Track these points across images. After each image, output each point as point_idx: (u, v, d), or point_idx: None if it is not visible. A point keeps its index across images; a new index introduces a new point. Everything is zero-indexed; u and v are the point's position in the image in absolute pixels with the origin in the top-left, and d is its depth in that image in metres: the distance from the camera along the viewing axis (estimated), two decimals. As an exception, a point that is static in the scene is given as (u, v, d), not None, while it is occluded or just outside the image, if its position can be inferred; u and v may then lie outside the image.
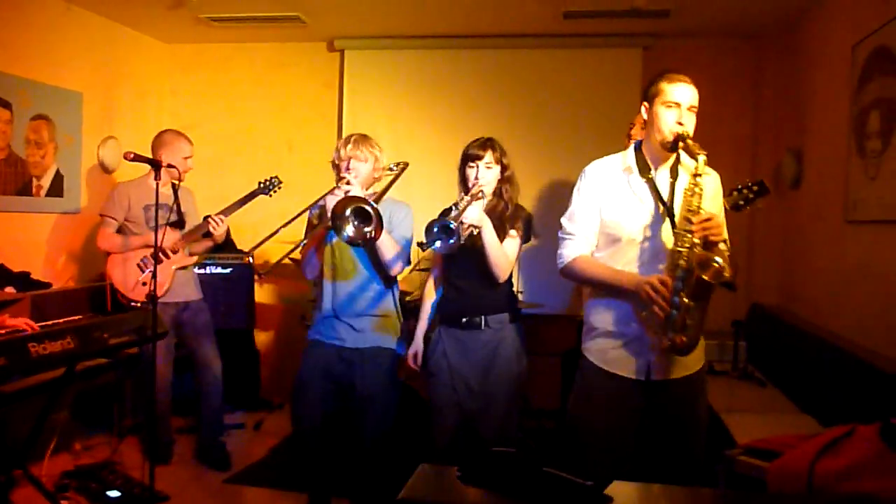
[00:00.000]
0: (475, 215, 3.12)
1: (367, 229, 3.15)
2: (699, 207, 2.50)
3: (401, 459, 4.07)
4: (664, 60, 5.38)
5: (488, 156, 3.32)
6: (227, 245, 5.40)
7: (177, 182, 4.50)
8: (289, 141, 6.19)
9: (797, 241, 4.95)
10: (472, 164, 3.33)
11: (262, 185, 4.47)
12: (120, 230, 4.50)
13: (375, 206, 3.13)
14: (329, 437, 3.66)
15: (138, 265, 4.42)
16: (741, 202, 3.66)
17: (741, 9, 4.89)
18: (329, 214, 3.22)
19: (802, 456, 2.26)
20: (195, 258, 4.57)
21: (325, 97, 6.11)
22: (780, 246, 5.30)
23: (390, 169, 3.66)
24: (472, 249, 3.23)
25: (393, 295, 3.65)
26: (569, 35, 5.61)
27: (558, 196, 5.14)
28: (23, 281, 4.61)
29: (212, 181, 4.87)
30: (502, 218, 3.30)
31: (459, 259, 3.33)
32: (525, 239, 3.38)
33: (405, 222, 3.57)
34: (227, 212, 4.39)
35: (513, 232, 3.31)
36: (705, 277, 2.40)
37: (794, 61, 5.11)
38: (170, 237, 4.36)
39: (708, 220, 2.47)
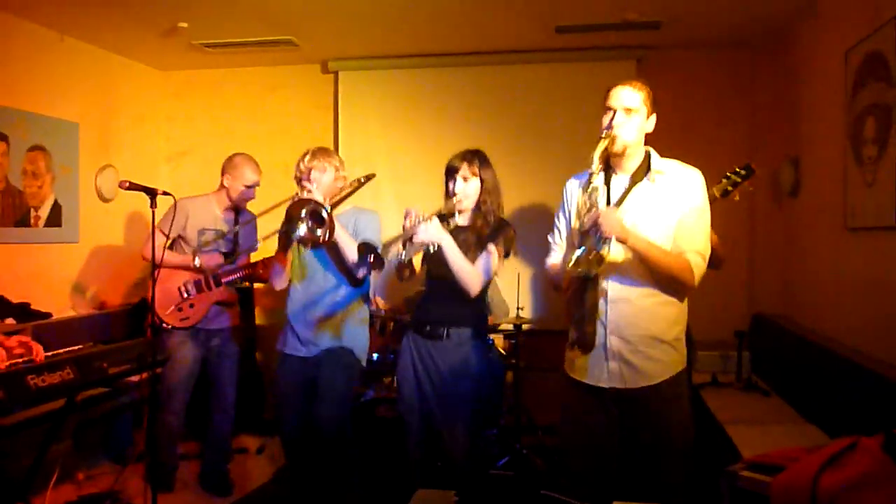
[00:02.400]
0: (433, 234, 3.11)
1: (319, 231, 3.26)
2: (594, 206, 2.59)
3: (398, 479, 4.10)
4: (658, 72, 5.39)
5: (464, 168, 3.33)
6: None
7: (243, 203, 4.48)
8: (285, 163, 6.16)
9: (797, 249, 4.93)
10: (450, 177, 3.35)
11: None
12: (174, 246, 4.39)
13: (329, 210, 3.26)
14: (317, 447, 3.73)
15: (179, 289, 4.36)
16: (729, 188, 3.68)
17: (733, 18, 4.89)
18: (285, 216, 3.34)
19: (806, 470, 2.23)
20: (236, 294, 4.51)
21: (320, 119, 6.12)
22: (781, 255, 5.27)
23: (359, 181, 3.74)
24: (446, 261, 3.24)
25: (359, 298, 3.75)
26: (561, 49, 5.61)
27: (553, 211, 5.13)
28: (22, 312, 4.60)
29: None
30: (480, 234, 3.31)
31: (435, 269, 3.37)
32: (504, 255, 3.36)
33: (370, 226, 3.67)
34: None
35: (491, 247, 3.29)
36: (569, 267, 2.57)
37: (789, 69, 5.10)
38: (211, 259, 4.32)
39: (596, 216, 2.54)
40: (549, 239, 3.04)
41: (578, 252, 2.51)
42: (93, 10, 4.72)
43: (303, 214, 3.28)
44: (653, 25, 5.01)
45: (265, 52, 5.75)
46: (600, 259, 2.50)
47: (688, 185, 2.73)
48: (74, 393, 3.50)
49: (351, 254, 3.47)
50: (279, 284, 3.73)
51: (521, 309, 4.94)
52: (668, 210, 2.67)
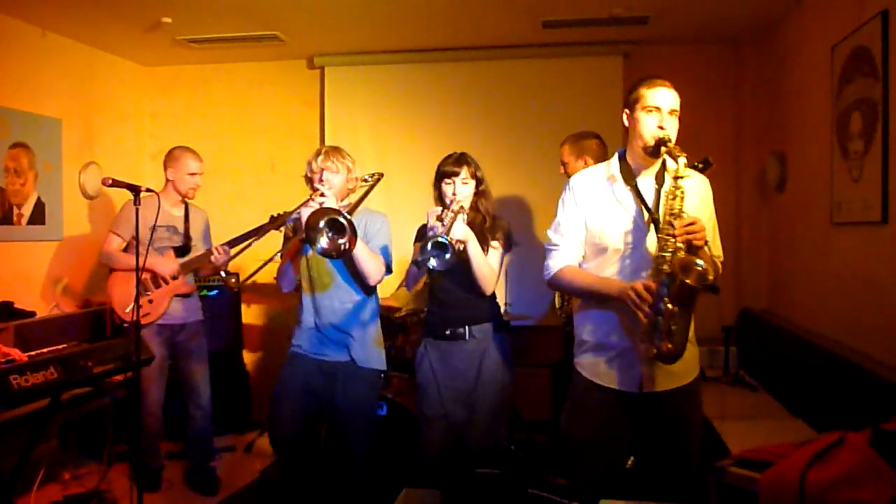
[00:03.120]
0: (461, 231, 3.11)
1: (341, 241, 3.19)
2: (681, 210, 2.45)
3: (390, 475, 4.07)
4: (645, 67, 5.38)
5: (464, 172, 3.33)
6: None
7: (190, 192, 4.49)
8: (271, 160, 6.17)
9: (784, 244, 4.94)
10: (448, 180, 3.34)
11: (273, 219, 4.19)
12: (128, 248, 4.42)
13: (349, 217, 3.16)
14: (309, 452, 3.71)
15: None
16: None
17: (720, 13, 4.88)
18: (303, 226, 3.23)
19: (793, 466, 2.23)
20: (194, 286, 4.51)
21: (306, 114, 6.08)
22: (767, 250, 5.29)
23: (365, 180, 3.69)
24: (458, 262, 3.21)
25: (373, 306, 3.67)
26: (548, 44, 5.60)
27: (543, 207, 5.12)
28: (5, 311, 4.56)
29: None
30: (482, 231, 3.31)
31: (441, 274, 3.31)
32: (506, 249, 3.40)
33: (382, 231, 3.61)
34: (232, 243, 4.31)
35: (494, 243, 3.33)
36: (688, 282, 2.34)
37: (775, 64, 5.11)
38: (168, 264, 4.35)
39: (692, 223, 2.42)
40: (550, 235, 2.84)
41: (700, 266, 2.38)
42: (75, 5, 4.67)
43: (321, 225, 3.20)
44: (640, 20, 5.00)
45: (250, 48, 5.71)
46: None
47: (703, 192, 2.71)
48: (59, 393, 3.47)
49: (365, 262, 3.41)
50: (286, 286, 3.63)
51: (510, 305, 4.93)
52: (692, 213, 2.56)
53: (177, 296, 4.41)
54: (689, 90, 5.65)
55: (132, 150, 6.17)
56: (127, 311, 4.28)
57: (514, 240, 3.45)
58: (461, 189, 3.32)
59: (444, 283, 3.40)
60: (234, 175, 6.10)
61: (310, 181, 3.54)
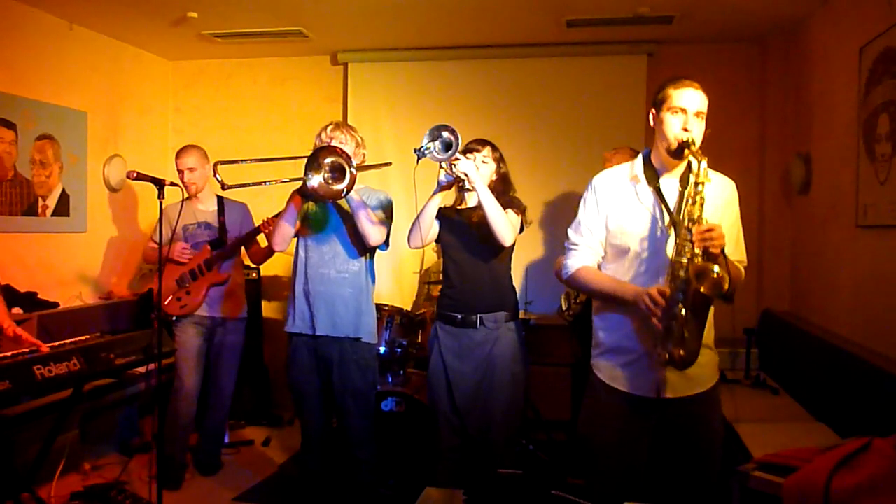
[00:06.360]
0: (469, 167, 3.16)
1: (336, 187, 3.22)
2: (700, 216, 2.41)
3: (409, 473, 4.08)
4: (669, 66, 5.35)
5: (486, 151, 3.40)
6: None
7: (185, 189, 4.53)
8: (293, 155, 6.15)
9: (808, 246, 4.90)
10: (468, 156, 3.34)
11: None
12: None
13: (354, 167, 3.20)
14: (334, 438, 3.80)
15: (176, 281, 4.48)
16: None
17: (745, 13, 4.84)
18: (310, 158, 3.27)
19: (818, 471, 2.21)
20: (226, 275, 4.55)
21: (329, 111, 6.07)
22: (791, 252, 5.24)
23: (375, 164, 3.75)
24: (471, 241, 3.26)
25: (368, 275, 3.72)
26: (572, 43, 5.58)
27: (565, 206, 5.10)
28: (29, 301, 4.60)
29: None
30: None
31: (458, 249, 3.37)
32: (520, 228, 3.40)
33: (384, 204, 3.66)
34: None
35: (510, 211, 3.32)
36: (702, 290, 2.31)
37: (801, 64, 5.06)
38: (196, 257, 4.48)
39: (709, 230, 2.36)
40: (570, 234, 2.79)
41: (716, 273, 2.33)
42: (102, -1, 4.72)
43: (325, 161, 3.20)
44: (665, 20, 4.96)
45: (275, 44, 5.73)
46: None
47: (728, 195, 2.66)
48: (81, 383, 3.51)
49: (364, 219, 3.45)
50: (280, 245, 3.68)
51: (530, 303, 4.91)
52: (714, 217, 2.53)
53: (213, 285, 4.49)
54: (713, 90, 5.60)
55: (156, 143, 6.21)
56: (166, 302, 4.43)
57: (526, 223, 3.45)
58: (480, 167, 3.35)
59: (460, 263, 3.39)
60: (256, 170, 6.09)
61: None
